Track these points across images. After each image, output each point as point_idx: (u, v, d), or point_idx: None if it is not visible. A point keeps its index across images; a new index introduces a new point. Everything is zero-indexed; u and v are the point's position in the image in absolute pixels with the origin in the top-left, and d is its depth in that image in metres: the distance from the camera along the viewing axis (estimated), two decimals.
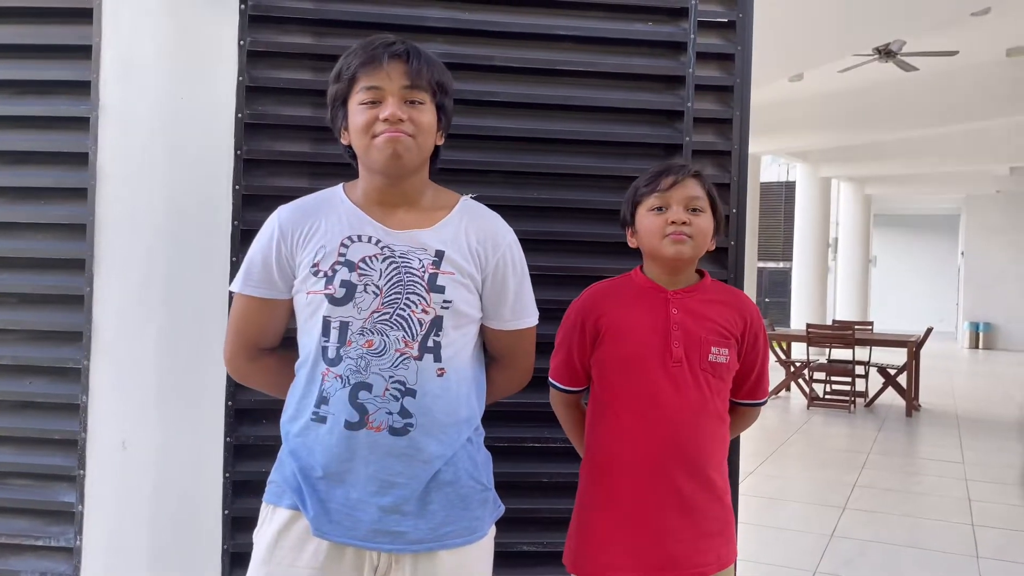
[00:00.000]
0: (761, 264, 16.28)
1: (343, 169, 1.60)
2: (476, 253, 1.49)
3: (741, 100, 2.12)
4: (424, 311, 1.42)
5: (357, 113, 1.44)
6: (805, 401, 8.79)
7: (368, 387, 1.39)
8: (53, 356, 2.05)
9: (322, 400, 1.41)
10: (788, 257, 15.74)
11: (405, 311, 1.41)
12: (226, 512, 1.99)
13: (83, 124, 2.03)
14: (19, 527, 2.05)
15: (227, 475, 1.99)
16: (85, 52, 2.03)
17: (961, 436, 7.27)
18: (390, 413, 1.39)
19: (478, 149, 2.06)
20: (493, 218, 1.56)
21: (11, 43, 2.06)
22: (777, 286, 19.46)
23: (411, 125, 1.42)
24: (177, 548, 2.05)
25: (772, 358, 9.22)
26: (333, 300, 1.41)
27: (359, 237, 1.45)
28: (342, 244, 1.44)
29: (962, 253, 19.04)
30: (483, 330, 1.55)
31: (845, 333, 8.71)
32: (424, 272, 1.43)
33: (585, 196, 2.08)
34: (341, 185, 1.55)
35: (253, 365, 1.57)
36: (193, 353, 2.05)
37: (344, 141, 1.51)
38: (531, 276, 1.61)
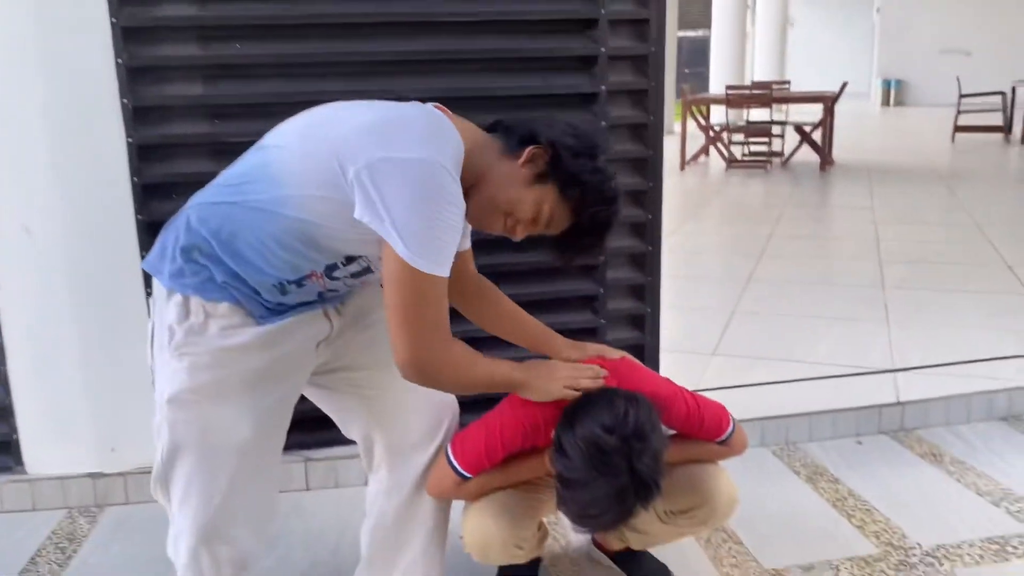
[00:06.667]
0: (681, 34, 15.91)
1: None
2: None
3: None
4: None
5: None
6: (724, 164, 8.94)
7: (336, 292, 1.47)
8: None
9: (297, 289, 1.39)
10: (707, 24, 15.39)
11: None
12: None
13: None
14: None
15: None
16: None
17: (872, 185, 7.55)
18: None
19: (414, 74, 2.16)
20: None
21: None
22: (697, 55, 19.20)
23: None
24: None
25: (692, 125, 9.23)
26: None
27: None
28: None
29: (878, 9, 18.93)
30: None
31: (763, 93, 8.73)
32: None
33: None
34: None
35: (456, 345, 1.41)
36: None
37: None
38: None
